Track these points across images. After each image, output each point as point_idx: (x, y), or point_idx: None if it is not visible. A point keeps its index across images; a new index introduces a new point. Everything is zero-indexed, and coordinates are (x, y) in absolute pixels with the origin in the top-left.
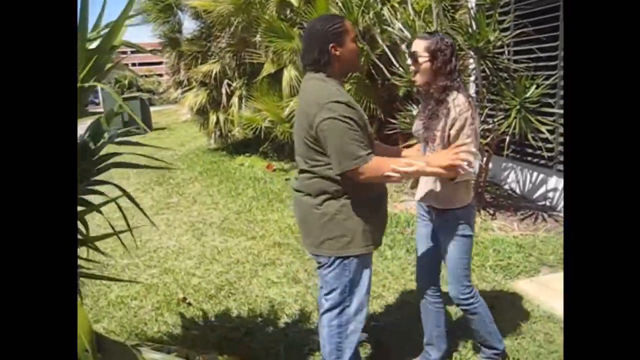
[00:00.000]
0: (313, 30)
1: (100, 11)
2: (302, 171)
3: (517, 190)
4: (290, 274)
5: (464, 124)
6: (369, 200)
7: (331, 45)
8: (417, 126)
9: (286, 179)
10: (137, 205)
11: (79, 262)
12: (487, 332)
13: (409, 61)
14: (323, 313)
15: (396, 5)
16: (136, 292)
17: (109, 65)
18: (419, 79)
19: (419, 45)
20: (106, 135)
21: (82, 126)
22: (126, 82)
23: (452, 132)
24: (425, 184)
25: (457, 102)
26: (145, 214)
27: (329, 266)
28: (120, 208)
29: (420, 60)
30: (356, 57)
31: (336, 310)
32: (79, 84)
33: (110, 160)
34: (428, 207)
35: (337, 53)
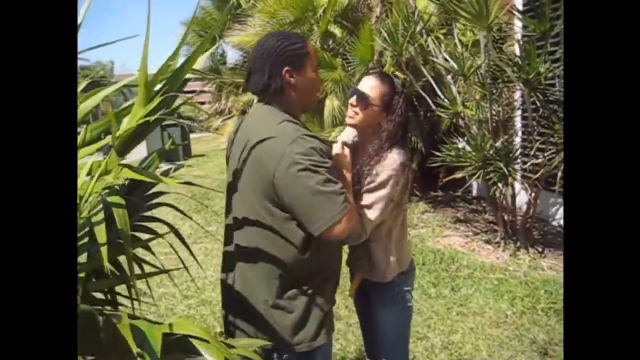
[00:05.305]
0: (265, 47)
1: (176, 50)
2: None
3: None
4: None
5: (382, 184)
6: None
7: (285, 69)
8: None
9: None
10: (189, 249)
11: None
12: None
13: (352, 100)
14: None
15: (441, 36)
16: None
17: (177, 103)
18: (356, 121)
19: (374, 89)
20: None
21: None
22: None
23: (367, 186)
24: None
25: (390, 160)
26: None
27: None
28: (172, 246)
29: (371, 109)
30: (315, 91)
31: None
32: (143, 119)
33: (160, 198)
34: None
35: (292, 81)
